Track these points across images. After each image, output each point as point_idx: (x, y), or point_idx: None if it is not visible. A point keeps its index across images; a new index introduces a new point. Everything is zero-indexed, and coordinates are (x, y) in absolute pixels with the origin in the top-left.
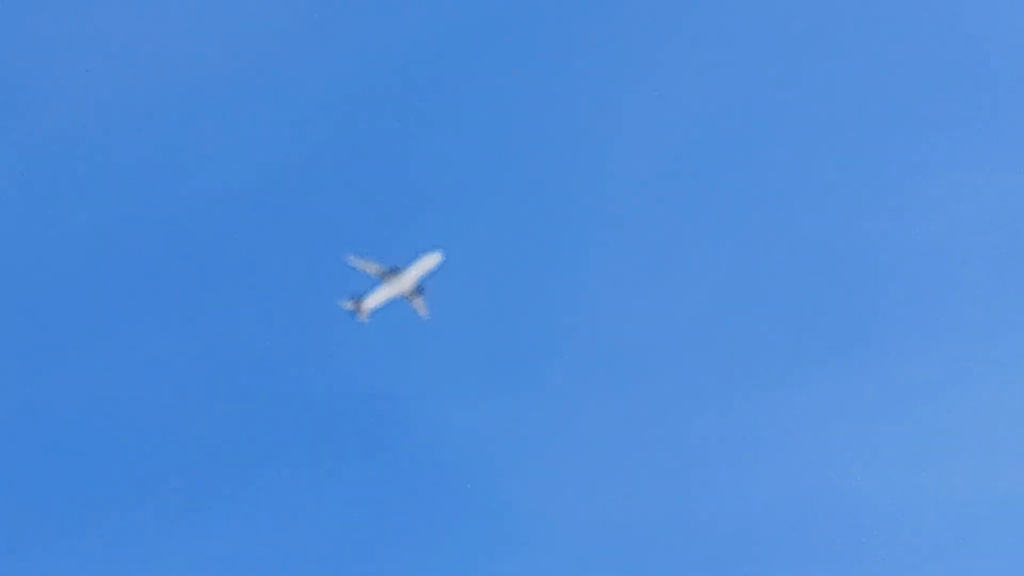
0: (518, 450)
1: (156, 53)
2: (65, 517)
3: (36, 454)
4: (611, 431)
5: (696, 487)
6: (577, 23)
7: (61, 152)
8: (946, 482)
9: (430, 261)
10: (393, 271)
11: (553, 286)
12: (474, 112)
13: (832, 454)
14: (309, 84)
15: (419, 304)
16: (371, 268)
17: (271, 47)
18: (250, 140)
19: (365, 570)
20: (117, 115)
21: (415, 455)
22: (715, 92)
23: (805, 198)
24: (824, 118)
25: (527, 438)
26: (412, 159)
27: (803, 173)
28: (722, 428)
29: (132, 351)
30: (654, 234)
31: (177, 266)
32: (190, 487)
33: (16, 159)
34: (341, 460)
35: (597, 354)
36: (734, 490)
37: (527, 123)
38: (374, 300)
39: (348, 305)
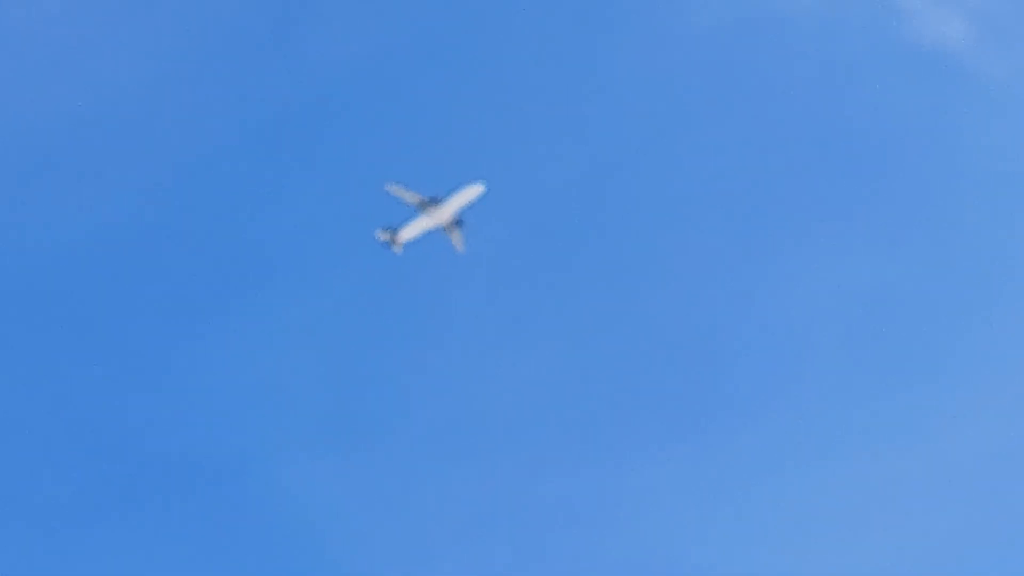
0: (357, 512)
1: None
2: None
3: None
4: (454, 497)
5: (538, 558)
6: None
7: None
8: (786, 560)
9: (472, 192)
10: (433, 201)
11: (401, 349)
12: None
13: (676, 529)
14: None
15: (456, 237)
16: (410, 197)
17: None
18: None
19: None
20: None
21: (251, 514)
22: (570, 164)
23: (654, 275)
24: (678, 197)
25: (367, 500)
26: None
27: (654, 252)
28: (566, 500)
29: None
30: (507, 303)
31: (12, 315)
32: (27, 544)
33: None
34: (177, 518)
35: (444, 418)
36: (575, 561)
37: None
38: (410, 231)
39: (383, 236)
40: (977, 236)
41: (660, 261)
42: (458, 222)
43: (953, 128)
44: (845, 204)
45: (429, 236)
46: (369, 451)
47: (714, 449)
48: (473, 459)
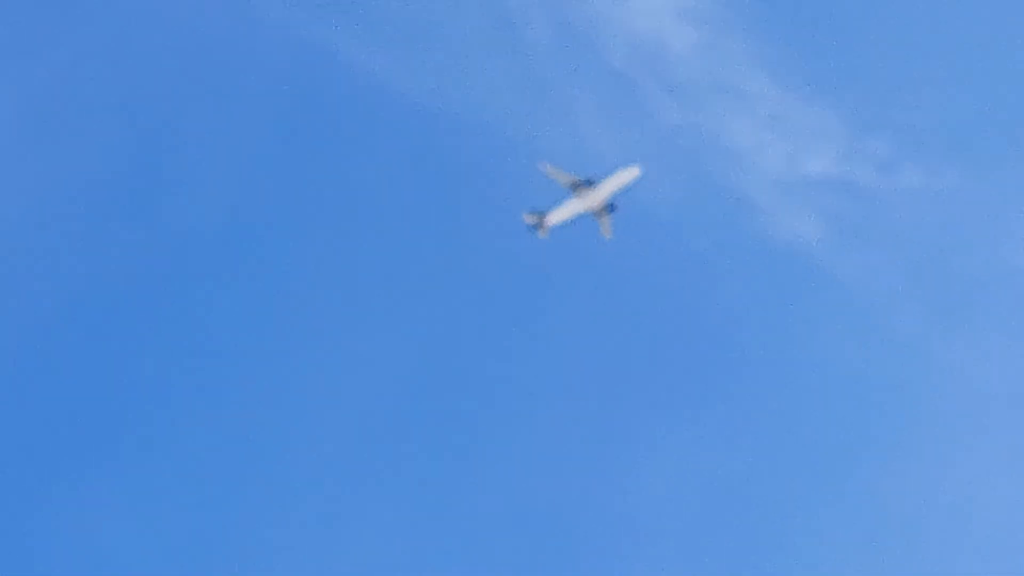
0: None
1: None
2: None
3: None
4: None
5: None
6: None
7: None
8: None
9: (627, 175)
10: (587, 183)
11: (241, 524)
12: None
13: None
14: None
15: (606, 223)
16: (563, 178)
17: None
18: None
19: None
20: None
21: None
22: (428, 352)
23: (511, 454)
24: (536, 382)
25: None
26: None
27: (511, 429)
28: None
29: None
30: (353, 492)
31: None
32: None
33: None
34: None
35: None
36: None
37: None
38: (559, 215)
39: (530, 219)
40: (823, 429)
41: (513, 440)
42: (610, 207)
43: (805, 324)
44: (697, 394)
45: (578, 221)
46: None
47: None
48: None
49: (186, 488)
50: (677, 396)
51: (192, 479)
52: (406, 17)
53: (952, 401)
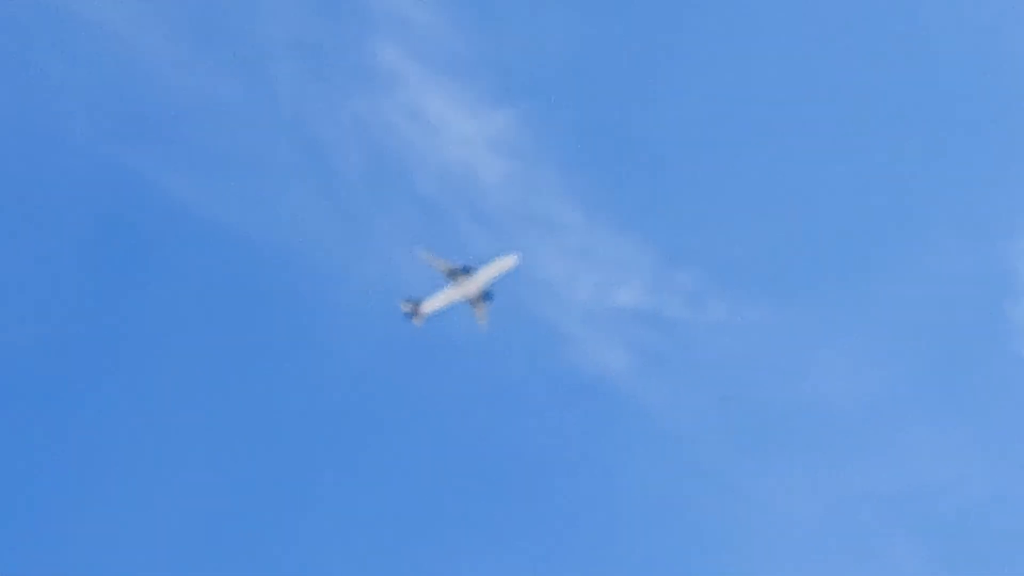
0: None
1: None
2: None
3: None
4: None
5: None
6: None
7: None
8: None
9: (505, 263)
10: (465, 271)
11: None
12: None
13: None
14: None
15: (481, 311)
16: (440, 265)
17: None
18: None
19: None
20: None
21: None
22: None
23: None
24: (335, 514)
25: None
26: None
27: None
28: None
29: None
30: None
31: None
32: None
33: None
34: None
35: None
36: None
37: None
38: (434, 303)
39: (405, 307)
40: (629, 565)
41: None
42: (486, 295)
43: (612, 455)
44: (501, 531)
45: (454, 309)
46: None
47: None
48: None
49: None
50: (480, 532)
51: None
52: (215, 142)
53: (760, 533)
